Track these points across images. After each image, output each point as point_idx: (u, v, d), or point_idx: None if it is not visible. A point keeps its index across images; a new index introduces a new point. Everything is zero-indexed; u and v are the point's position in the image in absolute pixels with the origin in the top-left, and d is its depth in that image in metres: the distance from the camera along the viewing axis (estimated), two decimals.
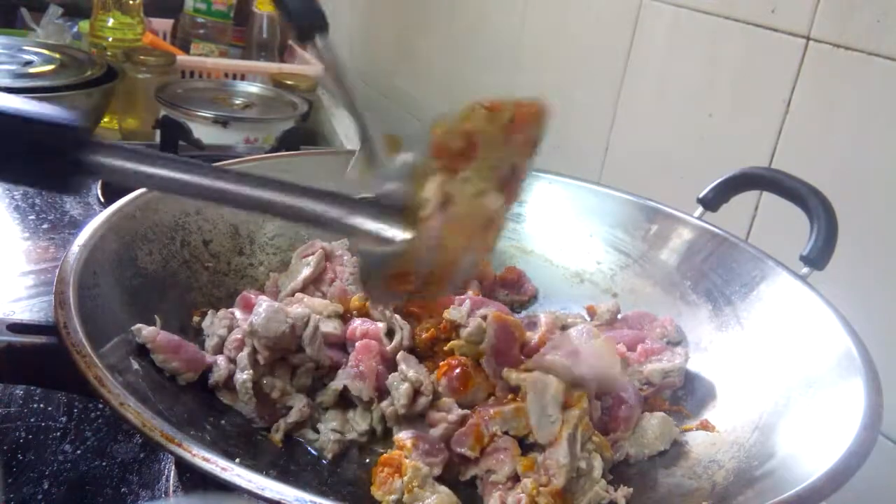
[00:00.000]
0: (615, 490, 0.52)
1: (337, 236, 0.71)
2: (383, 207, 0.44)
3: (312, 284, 0.67)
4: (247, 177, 0.41)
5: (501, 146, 0.47)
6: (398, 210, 0.44)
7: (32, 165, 0.36)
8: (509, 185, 0.48)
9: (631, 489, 0.52)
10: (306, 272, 0.67)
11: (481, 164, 0.46)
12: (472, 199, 0.46)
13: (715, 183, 0.72)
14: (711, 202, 0.72)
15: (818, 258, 0.62)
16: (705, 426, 0.58)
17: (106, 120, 1.37)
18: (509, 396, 0.54)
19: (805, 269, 0.62)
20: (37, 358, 0.48)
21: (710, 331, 0.65)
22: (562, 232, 0.77)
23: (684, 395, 0.62)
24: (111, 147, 0.38)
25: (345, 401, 0.57)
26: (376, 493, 0.49)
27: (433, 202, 0.44)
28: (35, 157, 0.36)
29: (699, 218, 0.72)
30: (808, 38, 0.78)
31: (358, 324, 0.60)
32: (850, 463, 0.43)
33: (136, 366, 0.51)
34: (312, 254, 0.69)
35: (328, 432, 0.54)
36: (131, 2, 1.45)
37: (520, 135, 0.47)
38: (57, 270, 0.50)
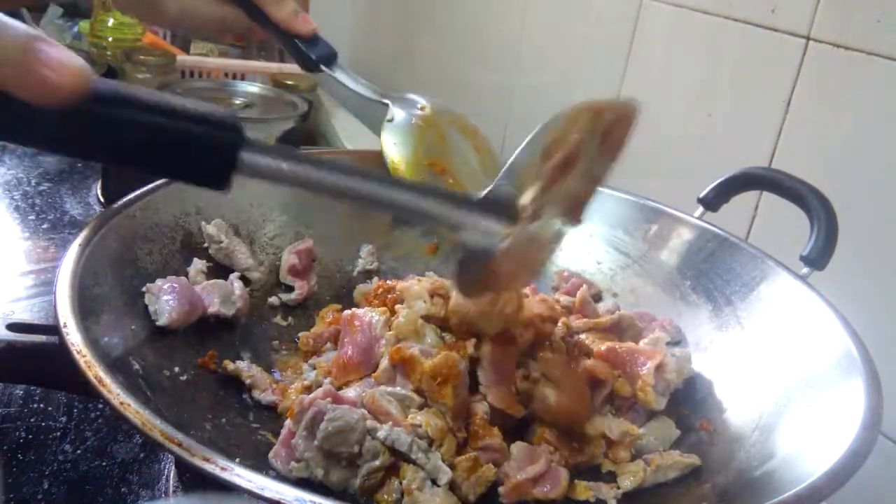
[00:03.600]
0: (610, 489, 0.52)
1: None
2: (492, 206, 0.47)
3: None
4: (371, 175, 0.44)
5: (595, 154, 0.49)
6: (504, 210, 0.47)
7: (191, 160, 0.38)
8: (577, 207, 0.50)
9: (621, 490, 0.52)
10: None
11: (575, 175, 0.48)
12: (549, 221, 0.48)
13: (715, 183, 0.72)
14: (712, 202, 0.72)
15: (818, 258, 0.62)
16: (705, 426, 0.58)
17: None
18: None
19: (805, 269, 0.62)
20: (37, 357, 0.48)
21: (710, 331, 0.65)
22: None
23: (684, 396, 0.62)
24: (263, 147, 0.40)
25: None
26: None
27: (529, 211, 0.47)
28: (195, 152, 0.38)
29: (699, 218, 0.72)
30: (808, 38, 0.78)
31: None
32: (850, 463, 0.43)
33: (136, 366, 0.51)
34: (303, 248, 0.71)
35: None
36: None
37: (610, 141, 0.49)
38: (57, 270, 0.50)
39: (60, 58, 0.35)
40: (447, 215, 0.46)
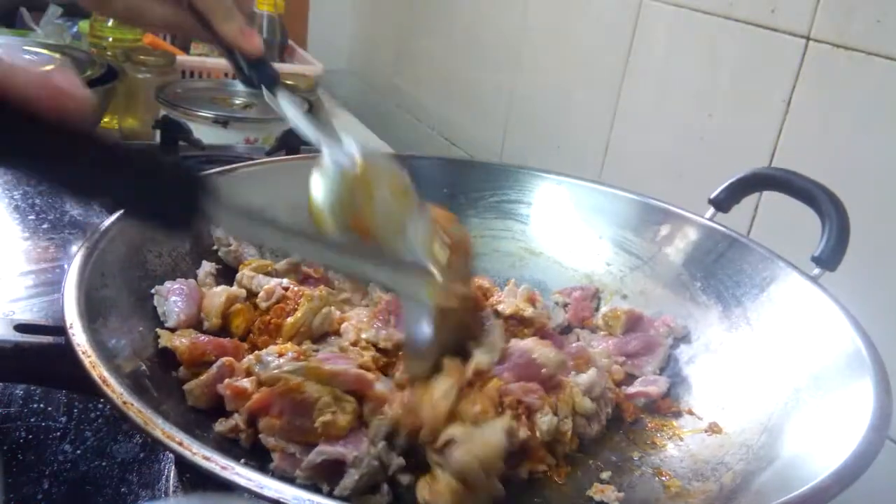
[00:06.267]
0: (612, 491, 0.52)
1: None
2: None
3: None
4: (332, 246, 0.50)
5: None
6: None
7: (162, 204, 0.41)
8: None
9: (622, 493, 0.52)
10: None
11: None
12: None
13: (726, 183, 0.71)
14: (723, 203, 0.71)
15: (830, 259, 0.61)
16: (714, 428, 0.58)
17: (106, 120, 1.36)
18: None
19: (817, 270, 0.62)
20: (43, 358, 0.47)
21: (720, 332, 0.64)
22: (570, 233, 0.76)
23: (693, 396, 0.62)
24: (231, 206, 0.43)
25: None
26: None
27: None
28: (165, 197, 0.41)
29: (710, 219, 0.71)
30: (808, 38, 0.78)
31: None
32: (858, 464, 0.42)
33: (143, 367, 0.50)
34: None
35: None
36: None
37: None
38: (57, 270, 0.50)
39: (70, 77, 0.38)
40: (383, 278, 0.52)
